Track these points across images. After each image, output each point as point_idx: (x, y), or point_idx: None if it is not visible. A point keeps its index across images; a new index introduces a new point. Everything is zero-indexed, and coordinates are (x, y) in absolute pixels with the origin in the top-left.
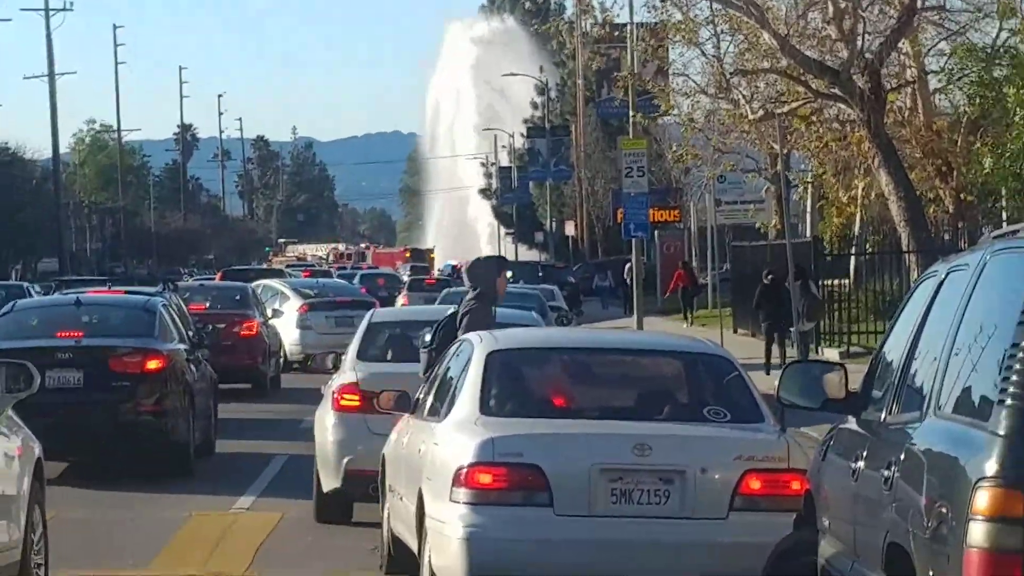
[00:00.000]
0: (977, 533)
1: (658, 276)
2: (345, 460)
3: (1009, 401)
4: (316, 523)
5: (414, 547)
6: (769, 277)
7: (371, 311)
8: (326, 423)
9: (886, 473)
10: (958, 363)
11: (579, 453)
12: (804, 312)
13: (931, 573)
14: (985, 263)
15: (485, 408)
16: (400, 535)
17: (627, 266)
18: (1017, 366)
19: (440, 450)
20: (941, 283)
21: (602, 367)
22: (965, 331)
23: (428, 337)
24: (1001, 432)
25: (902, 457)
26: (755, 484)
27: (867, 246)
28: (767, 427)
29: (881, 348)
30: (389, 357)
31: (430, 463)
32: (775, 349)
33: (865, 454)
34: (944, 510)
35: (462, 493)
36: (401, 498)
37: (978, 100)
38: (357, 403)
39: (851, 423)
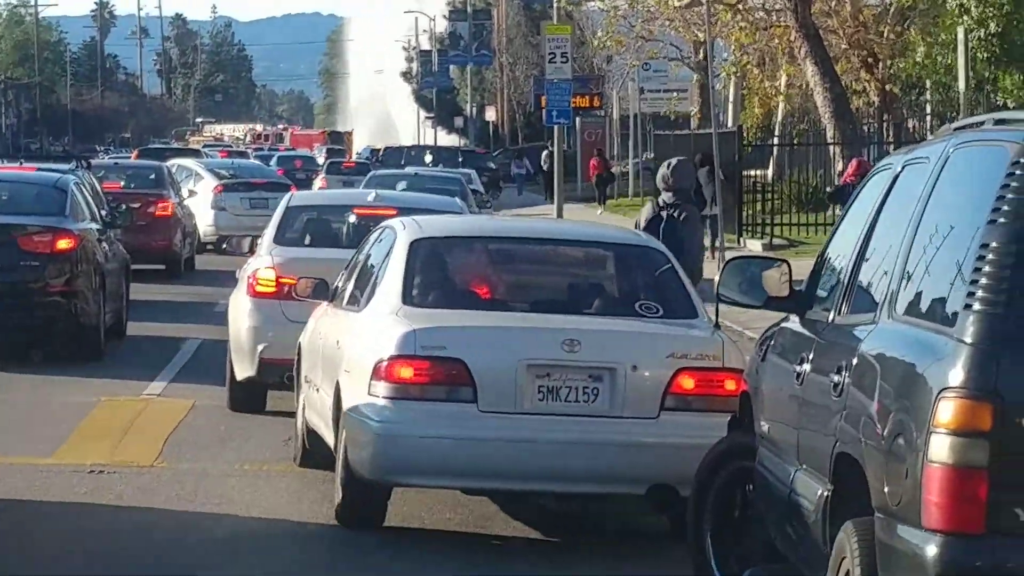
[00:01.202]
0: (939, 447)
1: (579, 164)
2: (260, 347)
3: (978, 306)
4: (229, 411)
5: (330, 441)
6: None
7: (289, 194)
8: (240, 309)
9: (836, 378)
10: (917, 263)
11: (505, 348)
12: (712, 198)
13: (885, 487)
14: (948, 156)
15: (408, 299)
16: (316, 427)
17: (544, 153)
18: (987, 268)
19: (359, 341)
20: (896, 176)
21: (531, 258)
22: (925, 229)
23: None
24: (968, 339)
25: (854, 362)
26: (688, 383)
27: (788, 137)
28: (701, 323)
29: (828, 244)
30: (307, 242)
31: (348, 355)
32: None
33: (811, 356)
34: (901, 421)
35: (381, 387)
36: (317, 390)
37: None
38: (273, 289)
39: (794, 322)
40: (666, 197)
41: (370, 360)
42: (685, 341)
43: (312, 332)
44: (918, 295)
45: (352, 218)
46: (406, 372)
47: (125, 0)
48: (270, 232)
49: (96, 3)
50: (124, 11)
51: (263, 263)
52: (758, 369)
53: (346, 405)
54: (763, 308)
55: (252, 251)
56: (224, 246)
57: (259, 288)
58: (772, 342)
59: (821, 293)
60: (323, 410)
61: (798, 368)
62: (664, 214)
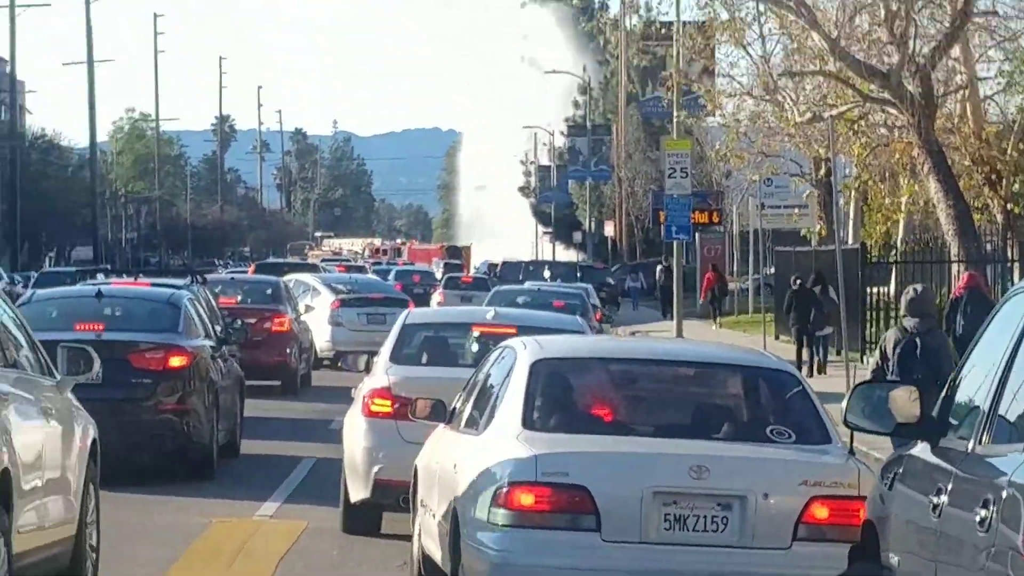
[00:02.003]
0: None
1: (697, 279)
2: (375, 469)
3: None
4: (342, 534)
5: (447, 569)
6: (798, 282)
7: (406, 311)
8: (356, 429)
9: (982, 513)
10: None
11: (631, 474)
12: (826, 317)
13: None
14: None
15: (528, 422)
16: (431, 554)
17: (659, 268)
18: None
19: (478, 466)
20: None
21: (656, 380)
22: None
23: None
24: None
25: (1003, 495)
26: (822, 512)
27: (910, 254)
28: (835, 449)
29: (961, 367)
30: (424, 361)
31: (466, 479)
32: (806, 353)
33: (950, 487)
34: None
35: (501, 514)
36: (433, 515)
37: None
38: (389, 409)
39: (924, 450)
40: (912, 322)
41: (489, 486)
42: (818, 468)
43: (429, 455)
44: None
45: (471, 336)
46: (527, 499)
47: (246, 115)
48: (386, 350)
49: (217, 118)
50: (245, 126)
51: (379, 382)
52: (883, 498)
53: (464, 532)
54: (892, 435)
55: (368, 369)
56: (339, 363)
57: (374, 408)
58: (900, 470)
59: (956, 420)
60: (440, 536)
61: (934, 499)
62: (918, 340)
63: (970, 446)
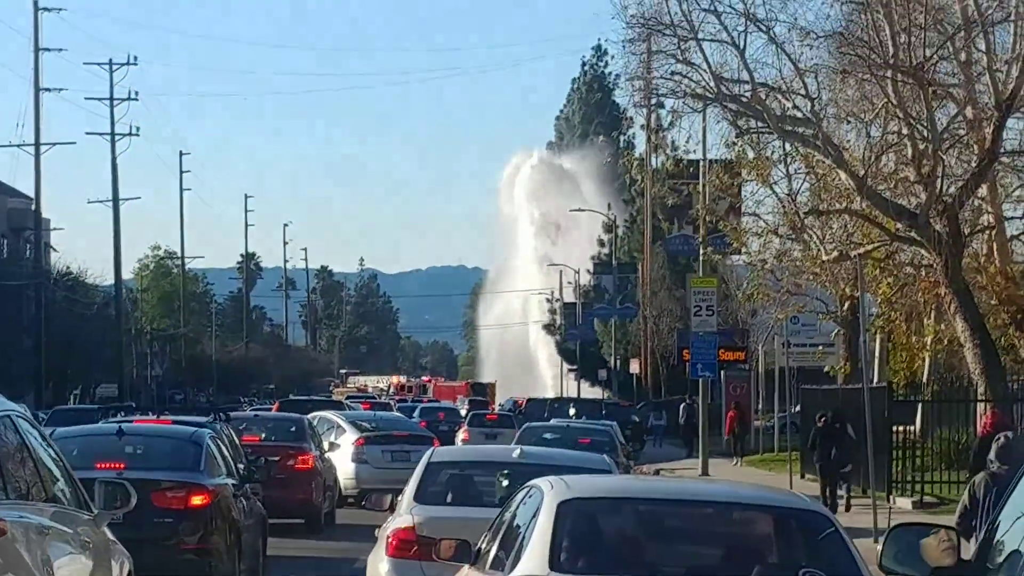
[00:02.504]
0: None
1: (722, 417)
2: None
3: None
4: None
5: None
6: (822, 420)
7: (431, 449)
8: (379, 569)
9: None
10: None
11: None
12: (847, 455)
13: None
14: None
15: (555, 563)
16: None
17: (683, 405)
18: None
19: None
20: None
21: (685, 521)
22: None
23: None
24: None
25: None
26: None
27: (935, 393)
28: None
29: (999, 511)
30: (449, 500)
31: None
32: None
33: None
34: None
35: None
36: None
37: None
38: (414, 550)
39: None
40: (1004, 468)
41: None
42: None
43: None
44: None
45: (497, 476)
46: None
47: (271, 253)
48: (411, 489)
49: (242, 255)
50: (270, 263)
51: (403, 522)
52: None
53: None
54: None
55: (393, 508)
56: (364, 502)
57: (399, 548)
58: None
59: (995, 565)
60: None
61: None
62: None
63: None
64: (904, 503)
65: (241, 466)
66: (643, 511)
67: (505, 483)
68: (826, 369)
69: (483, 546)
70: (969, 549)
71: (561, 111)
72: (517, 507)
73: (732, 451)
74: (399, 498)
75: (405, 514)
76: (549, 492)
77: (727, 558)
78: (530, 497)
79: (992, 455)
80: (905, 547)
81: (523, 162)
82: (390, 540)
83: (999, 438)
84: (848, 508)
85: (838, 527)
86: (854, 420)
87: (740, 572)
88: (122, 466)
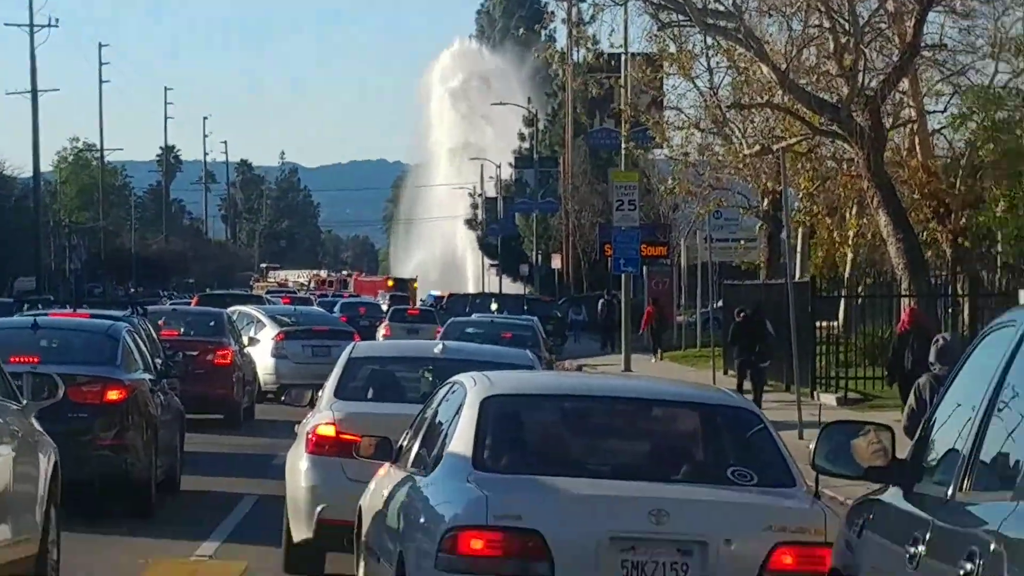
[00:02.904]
0: None
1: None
2: (318, 509)
3: None
4: (284, 575)
5: None
6: (741, 315)
7: (351, 344)
8: (298, 467)
9: (967, 566)
10: None
11: (587, 518)
12: (765, 352)
13: None
14: None
15: (479, 462)
16: None
17: (601, 301)
18: None
19: (425, 509)
20: None
21: (610, 418)
22: None
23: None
24: None
25: (991, 547)
26: (787, 559)
27: (858, 288)
28: (799, 492)
29: (936, 409)
30: (370, 396)
31: (413, 523)
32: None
33: (928, 538)
34: None
35: (449, 560)
36: (379, 559)
37: (992, 144)
38: (333, 447)
39: (895, 496)
40: (944, 370)
41: (437, 530)
42: (783, 513)
43: (373, 496)
44: None
45: (420, 372)
46: (476, 544)
47: (191, 146)
48: (331, 385)
49: (162, 148)
50: (190, 156)
51: (323, 418)
52: (851, 545)
53: None
54: (863, 479)
55: (312, 404)
56: (283, 398)
57: (318, 445)
58: (869, 516)
59: (931, 465)
60: None
61: (911, 550)
62: None
63: (948, 493)
64: (828, 399)
65: (159, 361)
66: (567, 408)
67: (428, 379)
68: (735, 263)
69: (405, 443)
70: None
71: (483, 5)
72: (439, 404)
73: (651, 347)
74: (319, 394)
75: (325, 410)
76: (472, 389)
77: (653, 455)
78: (453, 394)
79: (932, 357)
80: (837, 446)
81: (445, 57)
82: (309, 437)
83: (937, 340)
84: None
85: (767, 425)
86: (776, 315)
87: (668, 470)
88: (36, 360)
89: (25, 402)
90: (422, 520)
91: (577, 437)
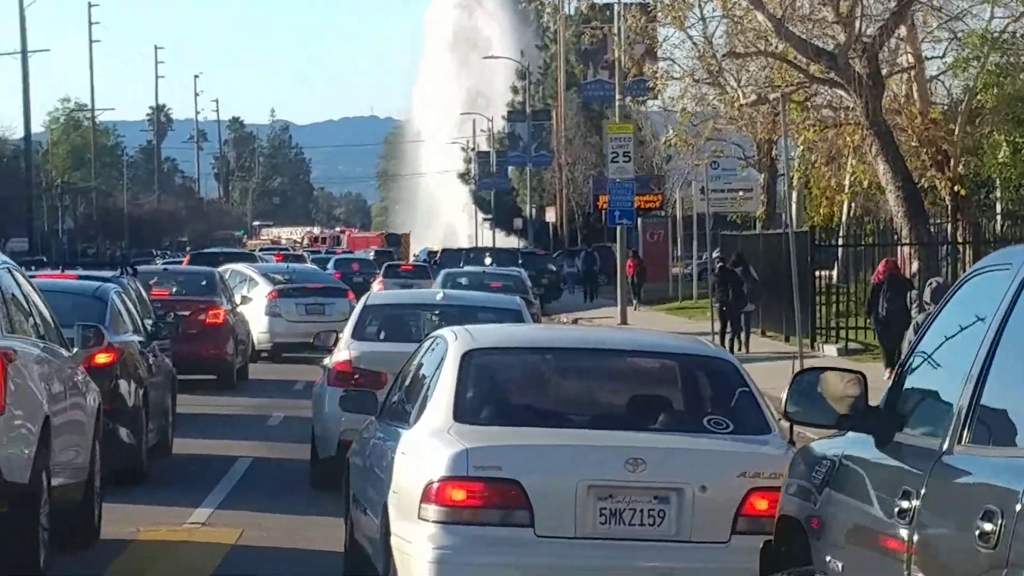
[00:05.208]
0: None
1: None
2: (339, 431)
3: None
4: (274, 542)
5: (379, 567)
6: (719, 264)
7: (367, 294)
8: (323, 397)
9: (985, 526)
10: None
11: (564, 467)
12: (747, 295)
13: None
14: None
15: (459, 415)
16: (365, 550)
17: (583, 254)
18: None
19: (408, 461)
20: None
21: (590, 370)
22: None
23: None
24: None
25: (1016, 508)
26: (761, 504)
27: (859, 237)
28: (774, 439)
29: (909, 356)
30: (382, 337)
31: (396, 474)
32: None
33: (925, 492)
34: None
35: (431, 510)
36: (365, 511)
37: (994, 88)
38: (352, 379)
39: (866, 446)
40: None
41: (419, 481)
42: (757, 459)
43: (359, 449)
44: None
45: (424, 315)
46: (458, 495)
47: (182, 104)
48: (349, 328)
49: (152, 107)
50: (181, 115)
51: (342, 356)
52: (811, 495)
53: (394, 530)
54: (835, 427)
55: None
56: (314, 340)
57: (338, 378)
58: (835, 465)
59: (914, 413)
60: (371, 533)
61: (901, 504)
62: None
63: (943, 445)
64: (830, 350)
65: (149, 322)
66: (547, 360)
67: (434, 321)
68: (731, 217)
69: (389, 397)
70: None
71: None
72: (422, 357)
73: (631, 298)
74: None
75: (344, 349)
76: (453, 343)
77: (632, 406)
78: (435, 347)
79: (927, 298)
80: (809, 394)
81: (438, 12)
82: (331, 371)
83: (931, 282)
84: (746, 347)
85: (743, 374)
86: (776, 265)
87: (645, 419)
88: None
89: (75, 350)
90: (405, 472)
91: (556, 389)
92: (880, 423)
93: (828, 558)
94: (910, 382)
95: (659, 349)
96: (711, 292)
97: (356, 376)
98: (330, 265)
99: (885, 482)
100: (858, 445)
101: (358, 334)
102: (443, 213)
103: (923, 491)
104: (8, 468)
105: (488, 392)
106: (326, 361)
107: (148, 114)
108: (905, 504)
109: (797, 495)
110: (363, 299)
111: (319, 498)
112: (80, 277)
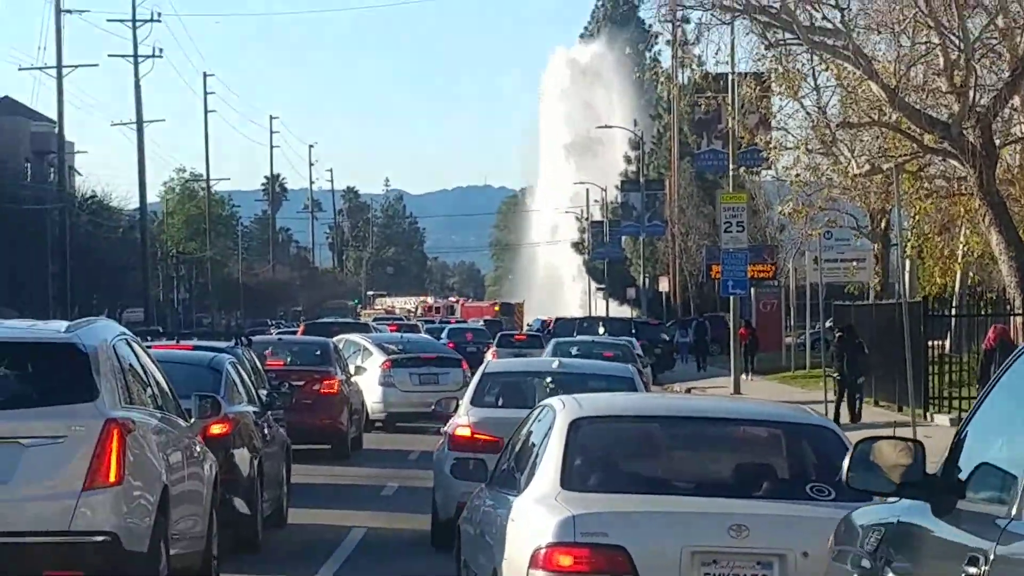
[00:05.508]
0: None
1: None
2: (459, 494)
3: None
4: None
5: None
6: (838, 335)
7: (485, 362)
8: (443, 461)
9: None
10: None
11: (669, 534)
12: (860, 369)
13: None
14: None
15: (567, 482)
16: None
17: (695, 323)
18: None
19: (517, 527)
20: None
21: (695, 437)
22: None
23: None
24: None
25: None
26: None
27: (973, 307)
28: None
29: (968, 421)
30: (500, 404)
31: (505, 540)
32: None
33: (993, 558)
34: None
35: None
36: None
37: None
38: (471, 444)
39: (923, 514)
40: None
41: (527, 547)
42: None
43: (470, 515)
44: None
45: (540, 383)
46: (565, 560)
47: (297, 174)
48: (468, 395)
49: (267, 177)
50: (296, 185)
51: (461, 422)
52: (863, 565)
53: None
54: (895, 495)
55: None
56: (433, 407)
57: (457, 443)
58: (890, 536)
59: (978, 482)
60: None
61: (970, 570)
62: None
63: (1012, 512)
64: (942, 419)
65: (263, 392)
66: (652, 428)
67: (549, 388)
68: (846, 289)
69: (499, 465)
70: None
71: (586, 28)
72: (531, 426)
73: (744, 368)
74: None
75: (463, 415)
76: (561, 411)
77: (736, 473)
78: (543, 417)
79: None
80: (867, 463)
81: (552, 79)
82: (451, 436)
83: None
84: (859, 419)
85: (845, 441)
86: (888, 335)
87: (749, 487)
88: None
89: (193, 420)
90: (514, 538)
91: (661, 456)
92: (939, 490)
93: None
94: (969, 450)
95: (762, 417)
96: (826, 362)
97: (475, 441)
98: (444, 334)
99: (949, 549)
100: (914, 512)
101: (477, 401)
102: (556, 282)
103: (992, 557)
104: (127, 537)
105: (595, 459)
106: (446, 428)
107: (263, 184)
108: (973, 571)
109: (849, 567)
110: (481, 367)
111: (435, 565)
112: (195, 347)
